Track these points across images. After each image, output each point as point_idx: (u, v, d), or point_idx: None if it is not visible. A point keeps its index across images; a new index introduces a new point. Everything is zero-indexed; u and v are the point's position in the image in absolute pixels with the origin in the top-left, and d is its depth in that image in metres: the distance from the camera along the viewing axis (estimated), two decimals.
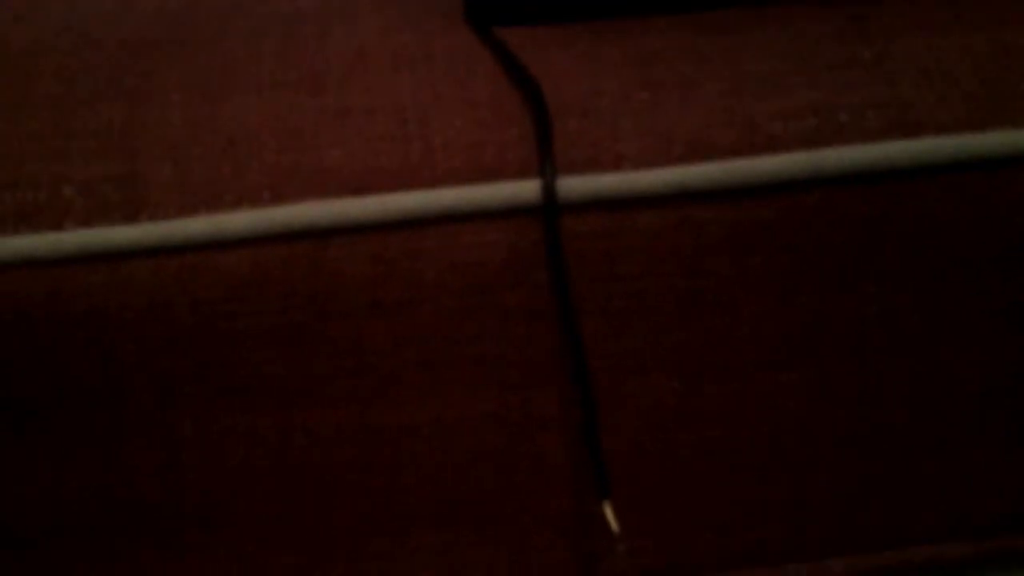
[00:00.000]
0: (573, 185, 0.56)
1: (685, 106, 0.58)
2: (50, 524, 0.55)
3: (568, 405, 0.57)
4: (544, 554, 0.58)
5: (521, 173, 0.56)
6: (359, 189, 0.55)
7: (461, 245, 0.56)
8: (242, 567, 0.56)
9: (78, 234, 0.54)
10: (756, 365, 0.58)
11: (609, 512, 0.56)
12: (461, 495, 0.57)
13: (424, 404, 0.57)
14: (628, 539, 0.59)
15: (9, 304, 0.53)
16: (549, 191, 0.55)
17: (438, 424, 0.57)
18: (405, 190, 0.55)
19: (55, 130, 0.55)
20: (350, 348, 0.55)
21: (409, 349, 0.56)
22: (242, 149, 0.56)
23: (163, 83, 0.57)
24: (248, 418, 0.55)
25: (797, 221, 0.57)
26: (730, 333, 0.58)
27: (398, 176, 0.56)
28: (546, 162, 0.56)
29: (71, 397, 0.54)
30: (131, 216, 0.54)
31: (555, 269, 0.56)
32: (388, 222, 0.55)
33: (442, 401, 0.57)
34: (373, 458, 0.57)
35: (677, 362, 0.58)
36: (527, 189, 0.56)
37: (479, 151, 0.56)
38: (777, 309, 0.58)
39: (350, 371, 0.56)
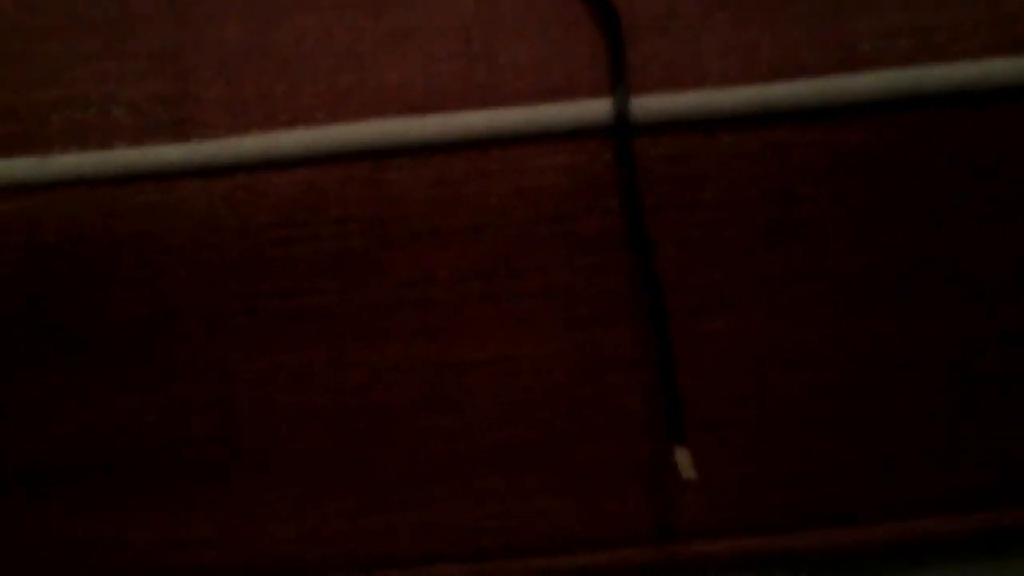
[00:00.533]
0: (648, 105, 0.52)
1: (770, 24, 0.54)
2: (100, 459, 0.52)
3: (641, 344, 0.53)
4: (614, 502, 0.54)
5: (592, 92, 0.53)
6: (420, 109, 0.52)
7: (528, 169, 0.52)
8: (296, 509, 0.53)
9: (126, 153, 0.51)
10: (847, 304, 0.54)
11: (683, 458, 0.52)
12: (527, 437, 0.54)
13: (488, 339, 0.53)
14: (701, 488, 0.54)
15: (56, 224, 0.51)
16: (622, 110, 0.52)
17: (502, 361, 0.53)
18: (469, 109, 0.52)
19: (106, 50, 0.53)
20: (410, 278, 0.52)
21: (472, 280, 0.53)
22: (297, 69, 0.53)
23: (218, 3, 0.55)
24: (302, 353, 0.52)
25: (892, 144, 0.52)
26: (819, 268, 0.53)
27: (461, 96, 0.52)
28: (619, 80, 0.52)
29: (120, 325, 0.52)
30: (181, 135, 0.52)
31: (628, 195, 0.52)
32: (451, 143, 0.52)
33: (507, 336, 0.53)
34: (434, 396, 0.53)
35: (760, 299, 0.54)
36: (598, 109, 0.52)
37: (547, 70, 0.53)
38: (871, 241, 0.53)
39: (410, 303, 0.52)
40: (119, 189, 0.51)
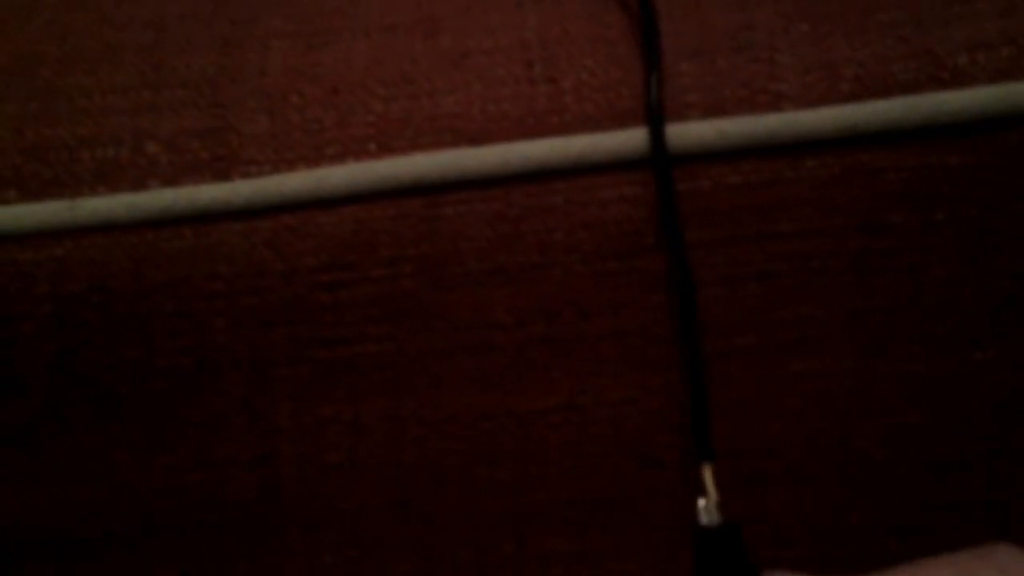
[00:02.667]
0: (723, 129, 0.48)
1: (853, 37, 0.49)
2: (135, 523, 0.48)
3: (723, 385, 0.49)
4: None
5: (664, 119, 0.49)
6: (477, 139, 0.48)
7: (595, 201, 0.48)
8: (345, 571, 0.49)
9: (162, 194, 0.47)
10: (944, 342, 0.49)
11: (708, 479, 0.47)
12: (595, 493, 0.49)
13: (552, 386, 0.49)
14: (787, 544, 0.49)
15: (87, 273, 0.47)
16: (656, 137, 0.48)
17: (569, 410, 0.49)
18: (530, 139, 0.48)
19: (142, 81, 0.50)
20: (467, 322, 0.48)
21: (535, 322, 0.48)
22: (346, 98, 0.49)
23: (261, 29, 0.51)
24: (353, 405, 0.48)
25: (991, 167, 0.48)
26: (913, 302, 0.49)
27: (522, 123, 0.48)
28: (652, 99, 0.48)
29: (155, 381, 0.48)
30: (221, 174, 0.48)
31: (669, 228, 0.48)
32: (511, 175, 0.48)
33: (573, 383, 0.49)
34: (493, 450, 0.49)
35: (848, 336, 0.49)
36: (672, 134, 0.48)
37: (615, 93, 0.49)
38: (969, 273, 0.49)
39: (467, 349, 0.48)
40: (154, 233, 0.47)
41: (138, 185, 0.48)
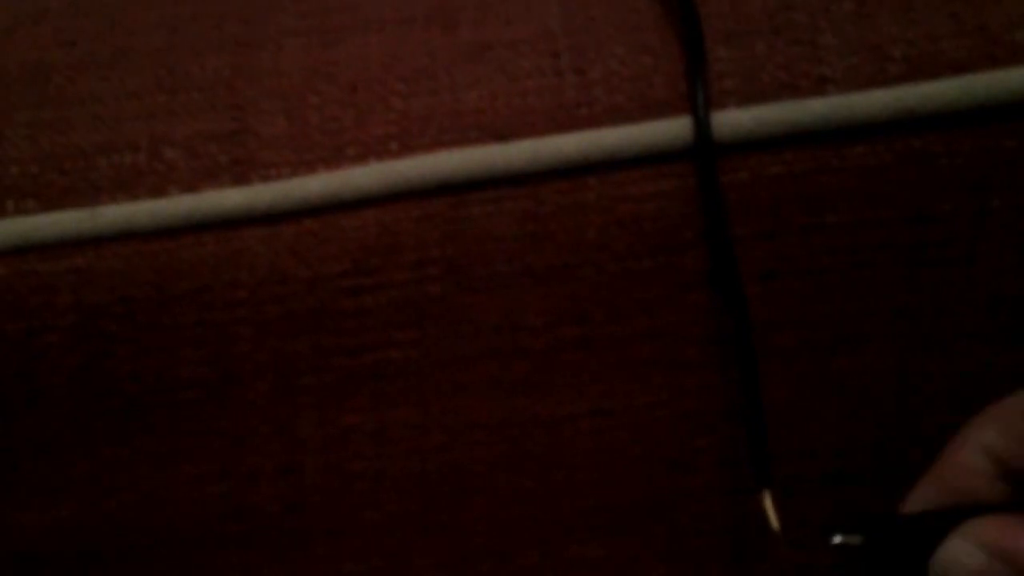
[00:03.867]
0: (764, 116, 0.46)
1: (900, 15, 0.46)
2: (156, 536, 0.48)
3: (761, 386, 0.47)
4: (727, 571, 0.48)
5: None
6: (503, 134, 0.46)
7: (627, 197, 0.46)
8: None
9: (182, 200, 0.46)
10: (999, 338, 0.46)
11: (769, 505, 0.45)
12: (626, 499, 0.47)
13: (583, 391, 0.47)
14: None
15: (109, 283, 0.46)
16: (702, 126, 0.45)
17: (599, 414, 0.47)
18: (558, 133, 0.46)
19: (156, 85, 0.48)
20: (495, 325, 0.46)
21: (565, 325, 0.46)
22: (365, 95, 0.47)
23: (274, 27, 0.50)
24: (377, 413, 0.47)
25: None
26: (964, 296, 0.46)
27: (549, 117, 0.46)
28: (697, 89, 0.45)
29: (179, 391, 0.47)
30: (241, 178, 0.46)
31: (714, 223, 0.45)
32: (539, 172, 0.46)
33: (604, 387, 0.47)
34: (522, 456, 0.47)
35: (896, 333, 0.47)
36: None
37: (646, 83, 0.46)
38: None
39: (496, 353, 0.46)
40: (174, 241, 0.46)
41: (157, 191, 0.46)
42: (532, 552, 0.48)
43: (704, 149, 0.45)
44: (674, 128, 0.46)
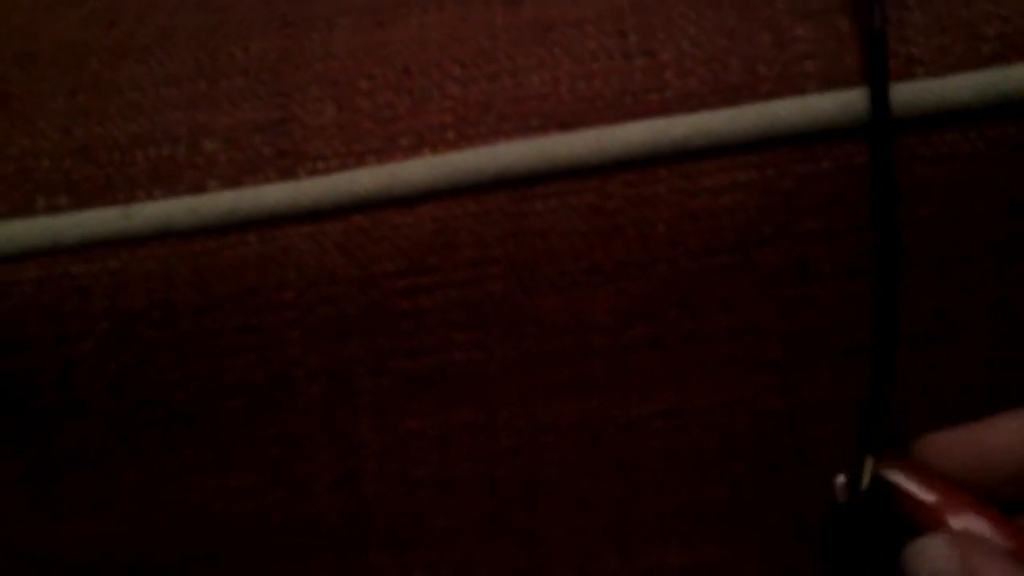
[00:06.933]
0: (847, 102, 0.42)
1: None
2: (209, 549, 0.45)
3: (842, 387, 0.44)
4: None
5: (777, 91, 0.43)
6: (567, 123, 0.43)
7: (701, 189, 0.43)
8: None
9: (224, 196, 0.43)
10: None
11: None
12: (706, 503, 0.45)
13: (657, 391, 0.44)
14: None
15: (146, 286, 0.43)
16: (879, 102, 0.42)
17: (675, 415, 0.44)
18: (628, 121, 0.43)
19: (197, 70, 0.45)
20: (563, 325, 0.44)
21: (637, 324, 0.44)
22: (419, 80, 0.44)
23: (324, 5, 0.46)
24: (440, 417, 0.44)
25: None
26: None
27: (617, 104, 0.43)
28: (877, 64, 0.42)
29: (227, 399, 0.44)
30: (286, 171, 0.43)
31: (884, 213, 0.42)
32: (607, 163, 0.43)
33: (679, 386, 0.44)
34: (595, 459, 0.45)
35: (986, 327, 0.44)
36: (789, 111, 0.42)
37: (722, 65, 0.43)
38: None
39: (564, 354, 0.44)
40: (216, 240, 0.43)
41: (197, 187, 0.43)
42: (610, 559, 0.46)
43: (882, 124, 0.42)
44: (750, 115, 0.43)
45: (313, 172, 0.43)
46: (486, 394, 0.44)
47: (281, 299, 0.43)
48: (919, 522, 0.41)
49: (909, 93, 0.42)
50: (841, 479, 0.44)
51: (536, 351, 0.44)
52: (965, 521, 0.41)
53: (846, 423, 0.44)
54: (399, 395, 0.44)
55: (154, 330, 0.43)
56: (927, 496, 0.41)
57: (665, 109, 0.43)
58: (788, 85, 0.43)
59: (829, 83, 0.43)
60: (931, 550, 0.39)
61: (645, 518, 0.46)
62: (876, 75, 0.42)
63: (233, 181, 0.43)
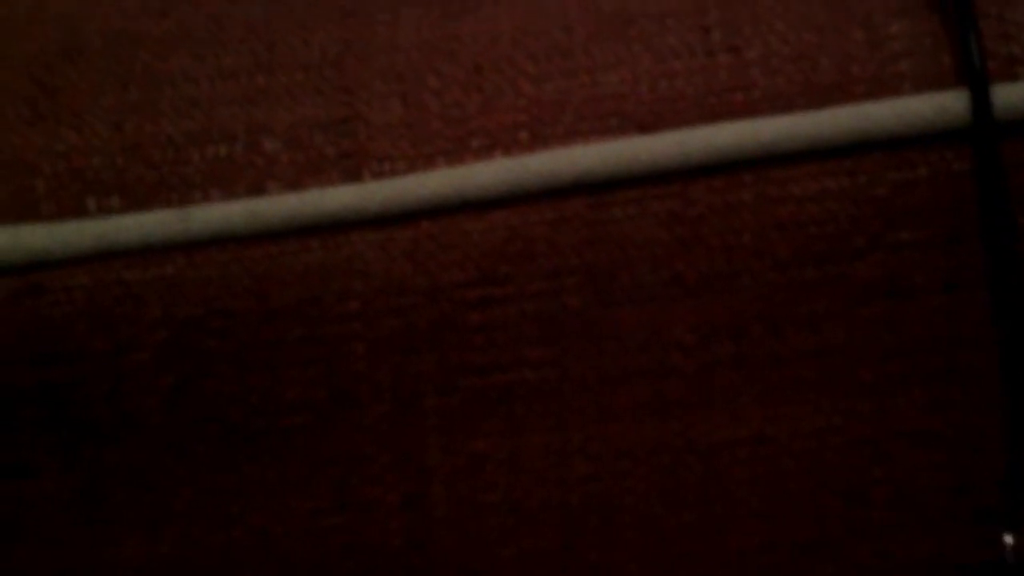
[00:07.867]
0: (945, 105, 0.40)
1: None
2: (267, 572, 0.43)
3: (942, 412, 0.42)
4: None
5: (870, 93, 0.41)
6: (648, 124, 0.41)
7: (789, 197, 0.40)
8: None
9: (284, 200, 0.41)
10: None
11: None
12: (792, 537, 0.43)
13: (742, 414, 0.42)
14: None
15: (203, 294, 0.41)
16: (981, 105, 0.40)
17: (761, 441, 0.42)
18: (711, 122, 0.41)
19: (255, 64, 0.43)
20: (641, 342, 0.41)
21: (720, 341, 0.41)
22: (491, 78, 0.42)
23: None
24: (511, 439, 0.42)
25: None
26: None
27: (700, 104, 0.41)
28: (973, 62, 0.40)
29: (287, 415, 0.42)
30: (351, 173, 0.41)
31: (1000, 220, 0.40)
32: (690, 168, 0.40)
33: (766, 410, 0.42)
34: (675, 487, 0.42)
35: None
36: (884, 115, 0.40)
37: (812, 65, 0.41)
38: None
39: (642, 372, 0.41)
40: (276, 246, 0.41)
41: (256, 189, 0.41)
42: None
43: (985, 127, 0.39)
44: (842, 119, 0.40)
45: (379, 174, 0.41)
46: (560, 415, 0.42)
47: (345, 310, 0.41)
48: None
49: (1012, 95, 0.40)
50: (1009, 539, 0.41)
51: (613, 370, 0.41)
52: None
53: (945, 453, 0.41)
54: (468, 415, 0.42)
55: (211, 341, 0.41)
56: None
57: (751, 110, 0.41)
58: (882, 86, 0.41)
59: (926, 84, 0.41)
60: None
61: (729, 552, 0.43)
62: (976, 76, 0.40)
63: (294, 183, 0.41)
